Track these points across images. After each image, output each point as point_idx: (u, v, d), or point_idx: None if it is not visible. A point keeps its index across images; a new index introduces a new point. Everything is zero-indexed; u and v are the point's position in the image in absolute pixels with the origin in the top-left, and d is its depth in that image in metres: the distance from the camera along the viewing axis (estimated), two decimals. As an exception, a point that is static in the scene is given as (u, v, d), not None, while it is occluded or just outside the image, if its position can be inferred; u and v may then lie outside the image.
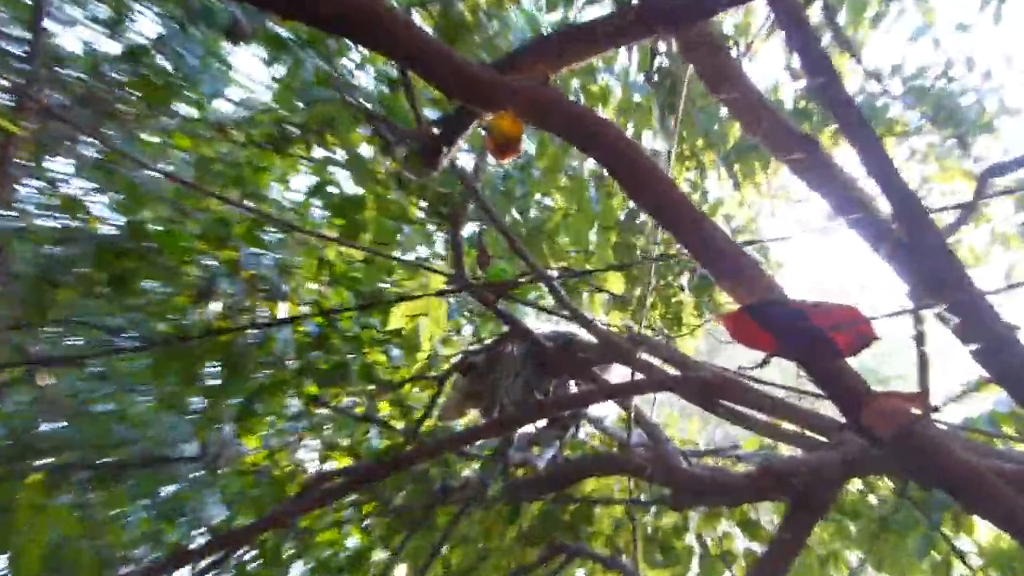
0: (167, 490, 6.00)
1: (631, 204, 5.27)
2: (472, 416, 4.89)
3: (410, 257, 5.25)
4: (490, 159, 4.74)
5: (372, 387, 5.28)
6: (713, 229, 2.62)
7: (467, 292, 4.36)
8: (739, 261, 2.61)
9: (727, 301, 5.51)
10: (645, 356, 3.97)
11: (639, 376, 3.81)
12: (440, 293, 3.99)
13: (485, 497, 4.38)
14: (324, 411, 5.46)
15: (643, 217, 5.38)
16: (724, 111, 5.14)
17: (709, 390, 3.32)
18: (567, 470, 4.28)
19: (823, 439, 3.51)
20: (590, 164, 5.22)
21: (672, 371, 3.90)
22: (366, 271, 5.21)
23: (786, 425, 3.72)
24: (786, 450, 4.83)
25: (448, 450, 4.07)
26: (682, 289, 5.50)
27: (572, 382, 4.51)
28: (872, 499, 4.56)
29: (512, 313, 4.36)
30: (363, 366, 5.36)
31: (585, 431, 5.11)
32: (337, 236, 4.70)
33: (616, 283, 5.21)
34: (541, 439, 4.51)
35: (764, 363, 2.68)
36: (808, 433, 3.62)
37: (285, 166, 5.62)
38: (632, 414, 3.98)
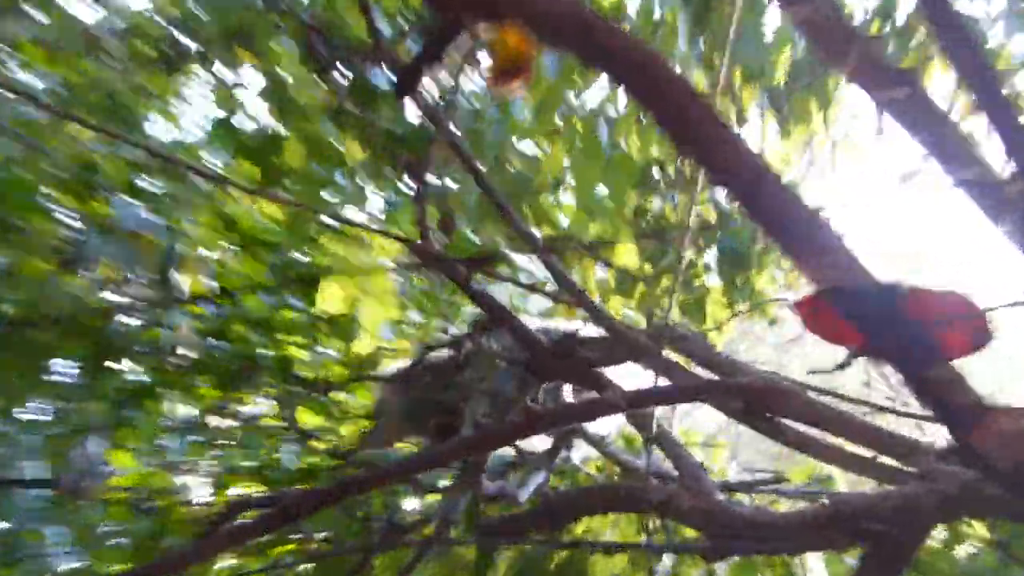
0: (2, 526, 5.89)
1: (650, 152, 5.25)
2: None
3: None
4: (468, 84, 4.71)
5: (292, 390, 5.23)
6: (772, 177, 2.60)
7: (433, 266, 4.29)
8: (809, 224, 2.59)
9: (768, 287, 5.52)
10: (670, 354, 3.94)
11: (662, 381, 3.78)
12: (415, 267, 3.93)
13: (447, 538, 4.34)
14: (225, 421, 5.40)
15: (659, 171, 5.37)
16: (770, 33, 5.13)
17: (755, 400, 3.30)
18: (561, 505, 4.25)
19: (907, 469, 3.50)
20: (594, 102, 5.19)
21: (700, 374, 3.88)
22: (287, 234, 5.12)
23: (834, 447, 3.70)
24: (841, 480, 4.85)
25: (410, 474, 4.03)
26: (708, 268, 5.50)
27: (566, 388, 4.50)
28: (959, 551, 4.58)
29: (489, 294, 4.31)
30: (279, 361, 5.34)
31: (580, 454, 5.09)
32: (249, 186, 4.59)
33: (628, 257, 5.19)
34: (525, 463, 4.49)
35: (845, 364, 2.69)
36: (879, 460, 3.61)
37: (176, 92, 5.51)
38: (653, 431, 3.97)
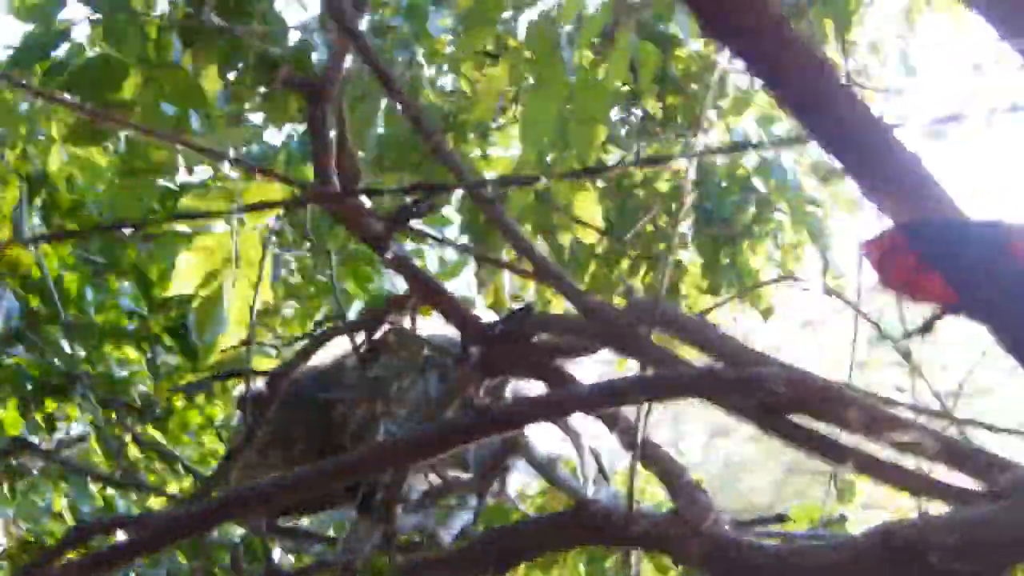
0: None
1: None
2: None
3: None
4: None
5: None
6: (838, 80, 2.47)
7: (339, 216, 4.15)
8: (887, 144, 2.41)
9: (762, 268, 5.45)
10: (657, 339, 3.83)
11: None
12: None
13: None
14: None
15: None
16: None
17: (783, 397, 3.17)
18: (508, 540, 4.10)
19: (977, 487, 3.41)
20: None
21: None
22: (121, 187, 4.92)
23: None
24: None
25: (301, 492, 3.85)
26: (684, 241, 5.39)
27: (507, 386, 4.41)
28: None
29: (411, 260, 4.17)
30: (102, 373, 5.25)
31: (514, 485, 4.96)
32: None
33: (589, 208, 5.00)
34: (451, 491, 4.41)
35: (928, 327, 2.64)
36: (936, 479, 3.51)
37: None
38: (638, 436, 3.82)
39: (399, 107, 4.34)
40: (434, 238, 4.56)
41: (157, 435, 5.60)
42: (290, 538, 4.82)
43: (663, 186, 5.24)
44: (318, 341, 4.59)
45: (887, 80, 5.80)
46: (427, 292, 4.07)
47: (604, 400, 3.34)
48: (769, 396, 3.20)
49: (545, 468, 4.79)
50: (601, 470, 4.62)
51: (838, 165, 2.61)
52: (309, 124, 4.25)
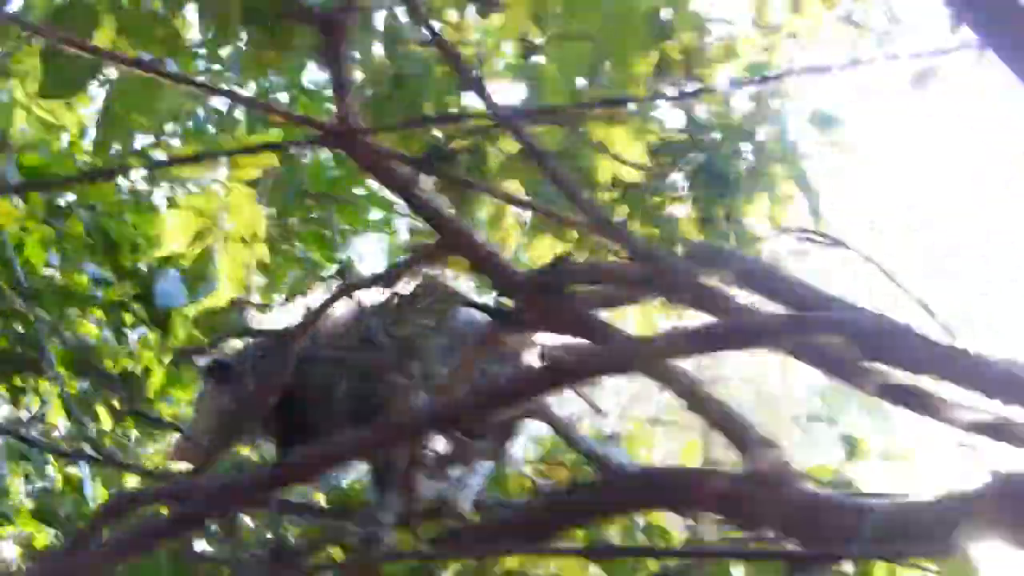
0: None
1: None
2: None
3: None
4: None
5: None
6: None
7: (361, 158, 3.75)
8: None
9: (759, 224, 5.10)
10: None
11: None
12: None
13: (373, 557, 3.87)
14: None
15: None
16: None
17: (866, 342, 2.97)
18: (552, 507, 3.81)
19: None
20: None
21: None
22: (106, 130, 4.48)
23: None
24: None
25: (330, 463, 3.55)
26: (675, 193, 5.01)
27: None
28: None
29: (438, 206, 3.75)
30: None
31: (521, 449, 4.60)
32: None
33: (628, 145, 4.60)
34: (467, 456, 4.09)
35: None
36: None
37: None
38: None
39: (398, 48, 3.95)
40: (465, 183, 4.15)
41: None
42: (298, 512, 4.42)
43: (651, 137, 4.85)
44: (331, 298, 4.17)
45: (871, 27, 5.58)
46: (457, 240, 3.70)
47: (693, 346, 2.98)
48: (855, 342, 3.02)
49: (564, 428, 4.48)
50: (611, 432, 4.29)
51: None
52: (327, 61, 3.85)
